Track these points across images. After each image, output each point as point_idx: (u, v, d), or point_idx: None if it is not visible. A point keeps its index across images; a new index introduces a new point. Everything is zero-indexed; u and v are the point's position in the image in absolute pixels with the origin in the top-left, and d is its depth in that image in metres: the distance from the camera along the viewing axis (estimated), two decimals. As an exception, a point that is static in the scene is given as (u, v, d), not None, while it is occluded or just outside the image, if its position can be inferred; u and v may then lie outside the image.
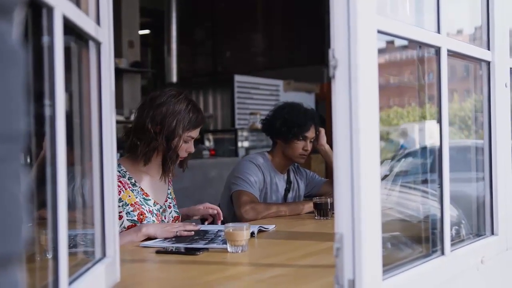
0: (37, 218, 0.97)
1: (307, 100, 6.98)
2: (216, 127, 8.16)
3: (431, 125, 1.49)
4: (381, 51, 1.16)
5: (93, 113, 1.23)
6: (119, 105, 6.61)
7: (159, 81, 8.95)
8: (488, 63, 1.67)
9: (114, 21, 1.32)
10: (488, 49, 1.67)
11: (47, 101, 0.89)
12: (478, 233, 1.70)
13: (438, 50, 1.40)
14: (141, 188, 2.12)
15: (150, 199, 2.13)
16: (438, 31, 1.40)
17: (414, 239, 1.52)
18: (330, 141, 2.62)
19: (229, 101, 7.80)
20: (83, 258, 1.27)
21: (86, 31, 1.12)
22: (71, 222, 1.07)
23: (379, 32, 1.13)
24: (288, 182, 2.85)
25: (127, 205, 2.05)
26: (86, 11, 1.16)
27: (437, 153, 1.40)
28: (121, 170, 2.09)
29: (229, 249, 1.71)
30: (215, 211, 2.30)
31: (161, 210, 2.17)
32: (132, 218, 2.04)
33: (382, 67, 1.15)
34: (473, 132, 1.84)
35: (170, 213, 2.22)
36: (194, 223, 2.18)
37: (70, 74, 1.15)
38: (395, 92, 1.73)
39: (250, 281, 1.43)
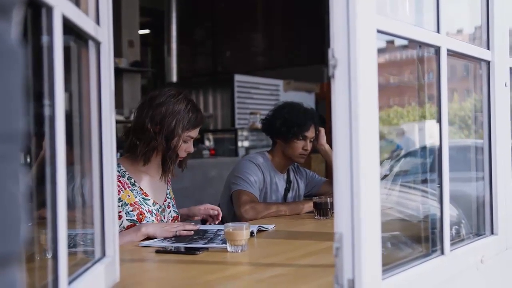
0: (37, 217, 0.97)
1: (307, 100, 6.98)
2: (216, 127, 8.15)
3: (431, 125, 1.49)
4: (381, 51, 1.16)
5: (93, 113, 1.23)
6: (119, 105, 6.61)
7: (159, 81, 8.95)
8: (488, 62, 1.67)
9: (114, 20, 1.32)
10: (488, 48, 1.67)
11: (46, 101, 0.89)
12: (478, 233, 1.70)
13: (438, 50, 1.40)
14: (141, 188, 2.12)
15: (149, 199, 2.13)
16: (438, 31, 1.40)
17: (414, 239, 1.52)
18: (330, 141, 2.62)
19: (229, 101, 7.79)
20: (82, 258, 1.27)
21: (86, 30, 1.12)
22: (71, 222, 1.07)
23: (379, 31, 1.13)
24: (288, 181, 2.85)
25: (127, 204, 2.05)
26: (86, 11, 1.16)
27: (437, 152, 1.40)
28: (120, 170, 2.09)
29: (228, 249, 1.71)
30: (216, 212, 2.30)
31: (160, 210, 2.17)
32: (131, 218, 2.04)
33: (382, 67, 1.15)
34: (473, 131, 1.84)
35: (169, 213, 2.22)
36: (193, 223, 2.18)
37: (70, 74, 1.15)
38: (395, 91, 1.73)
39: (249, 281, 1.43)
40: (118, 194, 2.02)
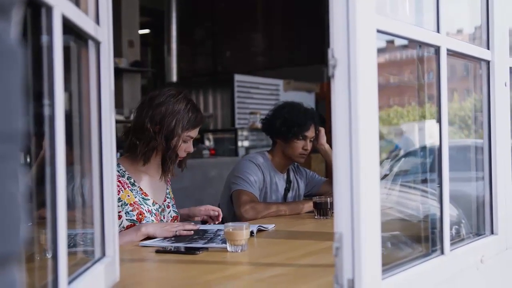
0: (37, 217, 0.97)
1: (307, 100, 6.98)
2: (216, 127, 8.15)
3: (431, 125, 1.49)
4: (380, 51, 1.16)
5: (93, 112, 1.23)
6: (119, 105, 6.61)
7: (159, 80, 8.95)
8: (488, 62, 1.67)
9: (114, 20, 1.32)
10: (488, 48, 1.67)
11: (46, 101, 0.89)
12: (478, 233, 1.70)
13: (437, 50, 1.40)
14: (140, 188, 2.12)
15: (149, 199, 2.13)
16: (438, 31, 1.40)
17: (414, 239, 1.52)
18: (330, 141, 2.62)
19: (229, 100, 7.79)
20: (82, 258, 1.27)
21: (86, 30, 1.12)
22: (71, 222, 1.07)
23: (379, 31, 1.13)
24: (288, 181, 2.85)
25: (126, 204, 2.05)
26: (86, 11, 1.16)
27: (437, 152, 1.40)
28: (120, 169, 2.09)
29: (228, 249, 1.71)
30: (216, 213, 2.30)
31: (160, 209, 2.17)
32: (131, 218, 2.04)
33: (382, 67, 1.15)
34: (472, 131, 1.84)
35: (168, 212, 2.22)
36: (193, 223, 2.18)
37: (70, 74, 1.15)
38: (395, 91, 1.73)
39: (249, 281, 1.43)
40: (118, 194, 2.02)
